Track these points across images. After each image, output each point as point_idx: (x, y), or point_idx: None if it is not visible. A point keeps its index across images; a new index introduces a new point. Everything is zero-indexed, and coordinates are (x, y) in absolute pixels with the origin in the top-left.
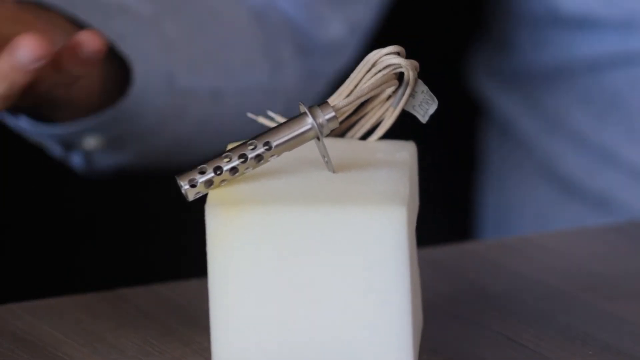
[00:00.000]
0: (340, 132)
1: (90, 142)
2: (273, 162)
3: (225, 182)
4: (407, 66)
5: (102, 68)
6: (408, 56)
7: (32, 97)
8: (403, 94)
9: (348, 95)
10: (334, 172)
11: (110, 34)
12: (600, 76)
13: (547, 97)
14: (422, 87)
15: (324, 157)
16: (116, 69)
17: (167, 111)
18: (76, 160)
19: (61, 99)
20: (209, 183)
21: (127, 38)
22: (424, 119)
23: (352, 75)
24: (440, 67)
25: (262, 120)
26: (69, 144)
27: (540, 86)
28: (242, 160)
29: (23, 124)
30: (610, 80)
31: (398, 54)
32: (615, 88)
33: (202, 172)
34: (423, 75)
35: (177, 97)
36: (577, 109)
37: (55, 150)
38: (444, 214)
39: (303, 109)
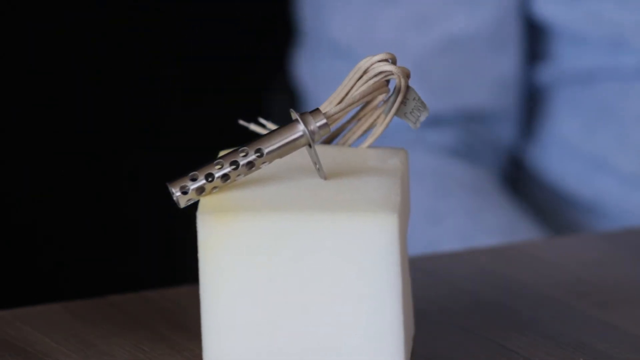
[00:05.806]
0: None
1: None
2: (264, 169)
3: (216, 189)
4: (399, 73)
5: None
6: None
7: None
8: (395, 102)
9: (339, 103)
10: (325, 179)
11: None
12: (591, 87)
13: (537, 106)
14: (414, 95)
15: (315, 164)
16: None
17: None
18: None
19: None
20: (201, 190)
21: None
22: (415, 125)
23: (344, 82)
24: None
25: (253, 127)
26: None
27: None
28: (233, 167)
29: None
30: (601, 91)
31: (389, 60)
32: (605, 98)
33: (194, 179)
34: None
35: None
36: (566, 118)
37: None
38: None
39: (294, 115)
